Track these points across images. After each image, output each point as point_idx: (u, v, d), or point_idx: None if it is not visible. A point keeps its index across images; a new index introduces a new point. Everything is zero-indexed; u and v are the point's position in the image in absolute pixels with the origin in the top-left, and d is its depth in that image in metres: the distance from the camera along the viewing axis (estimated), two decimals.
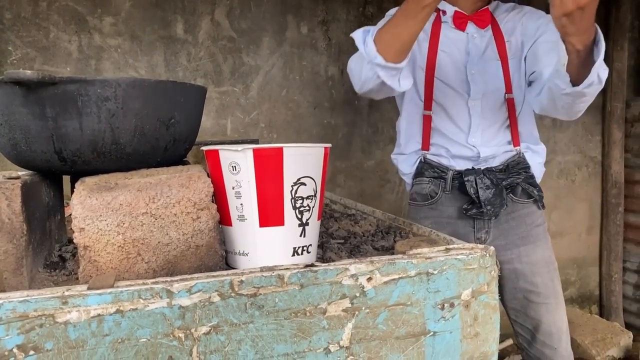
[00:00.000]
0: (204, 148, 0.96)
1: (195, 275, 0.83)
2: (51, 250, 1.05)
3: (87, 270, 0.84)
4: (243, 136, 2.41)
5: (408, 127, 1.73)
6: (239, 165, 0.89)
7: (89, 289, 0.77)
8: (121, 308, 0.77)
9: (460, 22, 1.61)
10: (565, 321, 1.66)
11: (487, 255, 0.99)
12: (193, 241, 0.89)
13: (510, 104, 1.62)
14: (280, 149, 0.88)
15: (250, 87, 2.42)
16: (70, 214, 0.87)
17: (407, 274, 0.93)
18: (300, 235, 0.94)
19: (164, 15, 2.25)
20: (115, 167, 0.95)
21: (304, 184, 0.92)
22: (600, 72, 1.29)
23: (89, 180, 0.88)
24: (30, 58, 2.09)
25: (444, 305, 0.97)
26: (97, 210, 0.83)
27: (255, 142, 2.34)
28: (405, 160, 1.75)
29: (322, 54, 2.54)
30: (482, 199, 1.57)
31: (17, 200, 0.87)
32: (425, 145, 1.68)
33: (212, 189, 0.90)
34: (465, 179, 1.61)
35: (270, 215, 0.91)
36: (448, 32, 1.63)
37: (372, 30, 1.40)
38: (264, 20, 2.41)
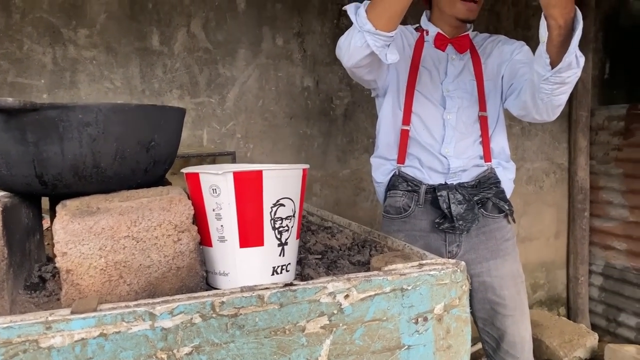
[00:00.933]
0: (184, 170, 0.98)
1: (177, 297, 0.85)
2: (31, 271, 1.05)
3: (70, 294, 0.85)
4: (219, 147, 2.42)
5: (385, 136, 1.78)
6: (219, 188, 0.92)
7: (72, 313, 0.78)
8: (104, 331, 0.79)
9: (441, 43, 1.70)
10: (529, 331, 1.73)
11: (459, 270, 1.04)
12: (174, 263, 0.91)
13: (483, 122, 1.70)
14: (260, 172, 0.91)
15: (227, 98, 2.44)
16: (48, 228, 0.88)
17: (383, 290, 0.97)
18: (280, 255, 0.97)
19: (139, 27, 2.25)
20: (96, 189, 0.96)
21: (283, 204, 0.95)
22: (578, 53, 1.31)
23: (71, 204, 0.90)
24: (4, 70, 2.07)
25: (417, 320, 1.01)
26: (79, 235, 0.85)
27: (233, 154, 2.36)
28: (379, 167, 1.81)
29: (297, 65, 2.57)
30: (454, 214, 1.63)
31: None
32: (401, 158, 1.73)
33: (192, 211, 0.92)
34: (438, 193, 1.67)
35: (250, 236, 0.93)
36: (430, 50, 1.71)
37: (365, 2, 1.43)
38: (239, 32, 2.43)
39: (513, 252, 1.74)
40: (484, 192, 1.68)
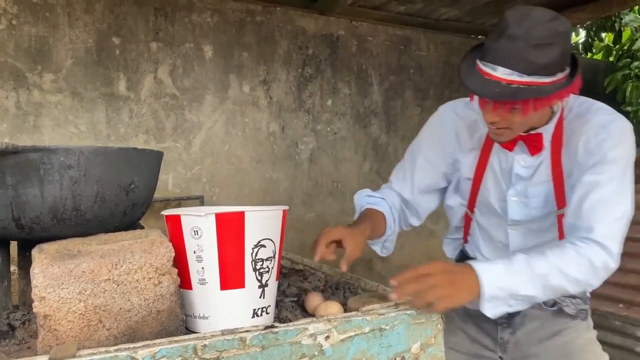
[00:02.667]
0: (164, 212, 0.98)
1: (159, 340, 0.84)
2: None
3: (47, 340, 0.83)
4: (185, 191, 2.41)
5: (452, 217, 1.58)
6: (200, 230, 0.92)
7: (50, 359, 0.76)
8: None
9: (508, 142, 1.33)
10: None
11: None
12: (154, 306, 0.90)
13: (561, 221, 1.38)
14: (242, 213, 0.93)
15: (193, 143, 2.45)
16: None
17: (362, 331, 0.98)
18: (260, 297, 0.97)
19: (106, 72, 2.25)
20: (74, 232, 0.95)
21: (264, 246, 0.96)
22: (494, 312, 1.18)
23: (49, 248, 0.88)
24: None
25: (396, 359, 1.02)
26: (58, 279, 0.83)
27: (201, 198, 2.35)
28: (449, 244, 1.65)
29: (263, 111, 2.62)
30: None
31: None
32: (465, 237, 1.55)
33: (173, 254, 0.92)
34: None
35: (231, 277, 0.94)
36: (497, 149, 1.39)
37: (366, 205, 1.45)
38: (206, 78, 2.47)
39: (581, 326, 1.46)
40: None
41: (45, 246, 0.89)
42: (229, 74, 2.54)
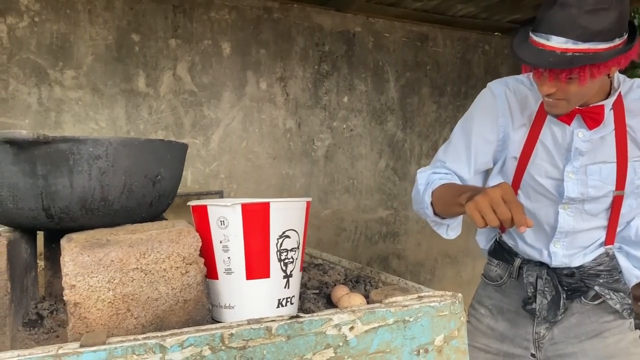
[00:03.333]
0: (191, 203, 0.99)
1: (186, 329, 0.85)
2: (28, 308, 1.03)
3: (77, 328, 0.84)
4: (203, 187, 2.43)
5: None
6: (227, 220, 0.93)
7: (81, 346, 0.77)
8: None
9: (566, 115, 1.29)
10: None
11: (457, 302, 1.06)
12: (181, 295, 0.91)
13: (616, 203, 1.35)
14: (267, 203, 0.93)
15: (211, 139, 2.46)
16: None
17: (386, 322, 0.98)
18: (285, 287, 0.98)
19: (125, 69, 2.28)
20: (101, 223, 0.96)
21: (288, 236, 0.97)
22: None
23: (78, 237, 0.89)
24: None
25: (419, 351, 1.02)
26: (88, 267, 0.84)
27: (220, 194, 2.37)
28: (482, 233, 1.61)
29: (280, 108, 2.63)
30: (537, 303, 1.41)
31: (2, 258, 0.87)
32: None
33: (200, 243, 0.93)
34: (526, 274, 1.44)
35: (256, 267, 0.94)
36: (552, 122, 1.34)
37: (436, 182, 1.34)
38: (224, 75, 2.48)
39: (621, 329, 1.41)
40: (588, 281, 1.39)
41: (74, 236, 0.91)
42: (246, 71, 2.55)
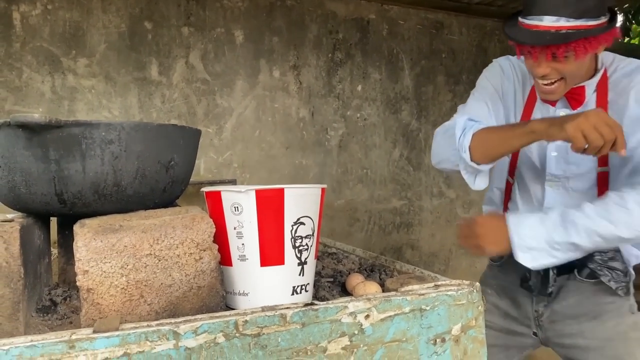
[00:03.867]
0: (204, 189, 0.98)
1: (200, 316, 0.84)
2: (41, 294, 1.03)
3: (90, 313, 0.83)
4: (216, 176, 2.42)
5: (498, 190, 1.60)
6: (241, 206, 0.92)
7: (95, 332, 0.76)
8: (128, 351, 0.77)
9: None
10: None
11: (475, 291, 1.04)
12: (195, 282, 0.90)
13: (602, 179, 1.38)
14: (282, 189, 0.92)
15: (224, 128, 2.45)
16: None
17: (402, 311, 0.96)
18: (299, 274, 0.96)
19: (138, 57, 2.27)
20: (114, 209, 0.95)
21: (303, 223, 0.95)
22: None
23: (91, 222, 0.88)
24: (2, 98, 2.06)
25: (436, 341, 1.00)
26: (101, 253, 0.83)
27: (233, 182, 2.36)
28: (487, 211, 1.66)
29: (293, 96, 2.61)
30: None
31: (15, 243, 0.86)
32: (505, 207, 1.56)
33: (214, 230, 0.91)
34: None
35: (271, 254, 0.93)
36: (540, 105, 1.43)
37: (476, 125, 1.34)
38: (237, 64, 2.47)
39: (618, 313, 1.42)
40: (583, 258, 1.37)
41: (87, 221, 0.90)
42: (259, 59, 2.53)
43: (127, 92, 2.24)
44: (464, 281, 1.08)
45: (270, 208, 0.92)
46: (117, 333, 0.76)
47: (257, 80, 2.52)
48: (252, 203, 0.91)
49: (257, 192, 0.90)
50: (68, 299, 1.03)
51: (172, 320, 0.81)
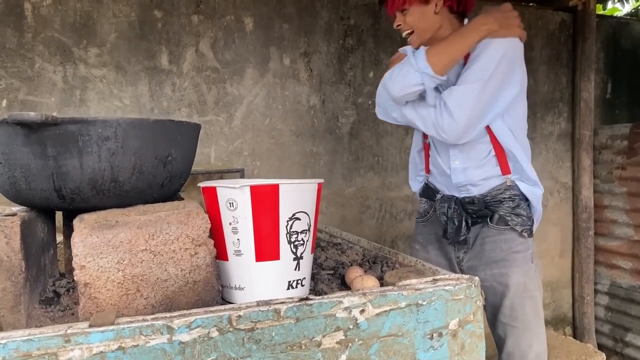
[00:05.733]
0: (201, 184, 0.99)
1: (194, 310, 0.85)
2: (45, 286, 1.05)
3: (87, 307, 0.85)
4: (227, 164, 2.43)
5: (417, 153, 1.90)
6: (236, 202, 0.92)
7: (90, 326, 0.78)
8: (123, 345, 0.79)
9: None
10: (535, 349, 1.68)
11: (473, 285, 1.04)
12: (191, 277, 0.91)
13: (489, 132, 1.65)
14: (277, 185, 0.92)
15: (234, 117, 2.45)
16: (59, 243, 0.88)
17: (398, 306, 0.97)
18: (295, 269, 0.97)
19: (148, 46, 2.27)
20: (113, 203, 0.97)
21: (298, 218, 0.96)
22: None
23: (89, 218, 0.90)
24: (15, 88, 2.09)
25: (432, 335, 1.00)
26: (97, 248, 0.85)
27: (241, 171, 2.37)
28: (414, 179, 1.94)
29: (304, 84, 2.59)
30: (448, 228, 1.71)
31: (16, 237, 0.88)
32: (427, 169, 1.85)
33: (209, 225, 0.92)
34: (439, 205, 1.75)
35: (266, 249, 0.94)
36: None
37: (421, 49, 1.59)
38: (247, 51, 2.46)
39: (524, 265, 1.67)
40: (492, 207, 1.67)
41: (86, 216, 0.92)
42: (269, 47, 2.51)
43: (138, 81, 2.26)
44: (462, 275, 1.07)
45: (265, 204, 0.92)
46: (111, 327, 0.78)
47: (267, 68, 2.51)
48: (247, 199, 0.91)
49: (252, 188, 0.91)
50: (71, 290, 1.05)
51: (167, 315, 0.83)
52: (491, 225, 1.70)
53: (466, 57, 1.60)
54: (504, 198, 1.67)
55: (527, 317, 1.68)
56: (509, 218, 1.66)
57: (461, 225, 1.69)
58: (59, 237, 1.27)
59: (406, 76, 1.57)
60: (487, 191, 1.69)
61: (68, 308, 0.99)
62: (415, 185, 1.94)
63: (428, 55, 1.54)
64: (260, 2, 2.48)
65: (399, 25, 1.64)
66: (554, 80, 3.34)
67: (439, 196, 1.78)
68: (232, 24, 2.43)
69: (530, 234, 1.69)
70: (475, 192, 1.71)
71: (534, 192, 1.69)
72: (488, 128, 1.64)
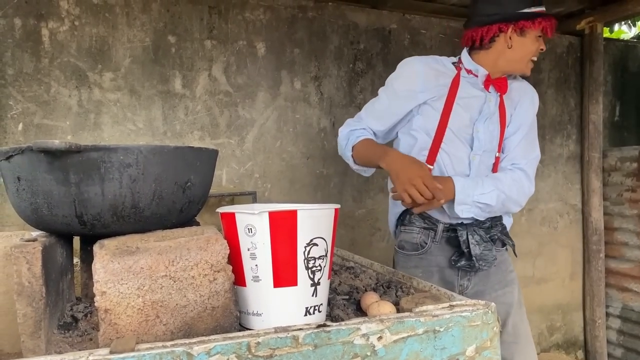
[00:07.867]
0: (219, 210, 1.00)
1: (214, 337, 0.85)
2: (63, 310, 1.06)
3: (107, 333, 0.86)
4: (238, 187, 2.44)
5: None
6: (254, 228, 0.93)
7: (111, 352, 0.78)
8: None
9: (487, 85, 1.72)
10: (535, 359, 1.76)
11: (490, 311, 1.03)
12: (209, 303, 0.92)
13: (496, 163, 1.77)
14: (295, 211, 0.93)
15: (246, 139, 2.48)
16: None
17: (416, 332, 0.96)
18: (312, 295, 0.97)
19: (162, 70, 2.31)
20: (133, 229, 0.98)
21: (316, 244, 0.96)
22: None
23: (109, 244, 0.91)
24: (31, 112, 2.12)
25: None
26: (118, 274, 0.86)
27: (253, 194, 2.38)
28: (393, 214, 1.89)
29: (314, 107, 2.62)
30: (474, 254, 1.68)
31: (37, 263, 0.89)
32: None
33: (228, 251, 0.93)
34: (459, 233, 1.72)
35: (284, 275, 0.94)
36: (468, 88, 1.73)
37: (355, 136, 1.74)
38: (259, 75, 2.49)
39: (516, 282, 1.80)
40: (494, 230, 1.74)
41: (106, 242, 0.92)
42: (280, 71, 2.55)
43: (152, 104, 2.29)
44: (479, 301, 1.07)
45: (283, 229, 0.93)
46: (132, 354, 0.78)
47: (278, 92, 2.54)
48: (265, 225, 0.92)
49: (271, 214, 0.92)
50: (89, 315, 1.06)
51: (187, 341, 0.83)
52: (497, 249, 1.76)
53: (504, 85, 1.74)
54: (496, 222, 1.75)
55: (526, 330, 1.76)
56: (505, 239, 1.76)
57: (492, 247, 1.71)
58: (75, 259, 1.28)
59: (342, 151, 1.82)
60: (487, 216, 1.74)
61: (86, 333, 1.00)
62: (393, 222, 1.91)
63: (354, 148, 1.73)
64: (272, 28, 2.53)
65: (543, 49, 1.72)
66: (562, 103, 3.36)
67: (441, 226, 1.75)
68: (244, 49, 2.47)
69: (515, 254, 1.83)
70: (481, 216, 1.72)
71: (508, 220, 1.82)
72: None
